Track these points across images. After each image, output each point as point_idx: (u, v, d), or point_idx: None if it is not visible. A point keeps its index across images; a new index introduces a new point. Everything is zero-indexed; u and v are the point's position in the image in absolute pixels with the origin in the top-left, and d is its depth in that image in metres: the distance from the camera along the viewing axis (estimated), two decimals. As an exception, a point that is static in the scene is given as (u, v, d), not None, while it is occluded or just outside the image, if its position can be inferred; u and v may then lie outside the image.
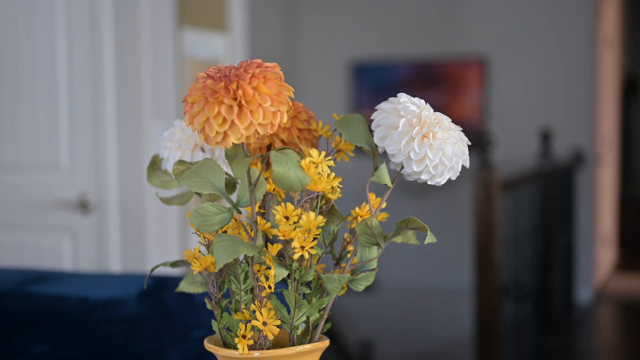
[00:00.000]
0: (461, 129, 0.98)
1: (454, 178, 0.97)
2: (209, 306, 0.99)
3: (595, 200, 6.10)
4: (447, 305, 5.90)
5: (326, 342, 0.98)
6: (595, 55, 5.84)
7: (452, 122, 0.97)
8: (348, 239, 1.01)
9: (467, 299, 5.21)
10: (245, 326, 0.94)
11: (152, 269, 1.05)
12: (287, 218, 0.93)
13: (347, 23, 6.26)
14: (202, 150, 1.08)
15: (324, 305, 0.97)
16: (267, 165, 1.00)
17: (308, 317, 0.98)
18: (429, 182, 0.96)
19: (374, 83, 6.20)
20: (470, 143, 0.98)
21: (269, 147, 1.02)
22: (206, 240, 0.98)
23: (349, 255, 1.00)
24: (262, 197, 0.99)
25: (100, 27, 2.90)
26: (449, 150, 0.94)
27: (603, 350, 5.17)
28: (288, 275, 0.95)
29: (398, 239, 0.99)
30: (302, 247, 0.92)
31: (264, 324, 0.93)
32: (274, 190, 1.00)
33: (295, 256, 0.92)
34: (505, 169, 4.51)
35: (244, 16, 3.59)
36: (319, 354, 0.98)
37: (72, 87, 2.93)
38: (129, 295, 1.51)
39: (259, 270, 0.95)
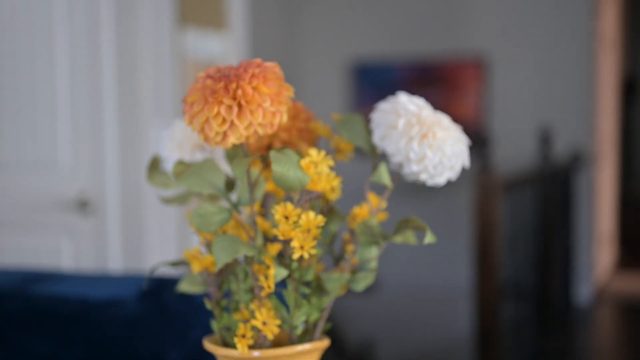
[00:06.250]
0: (461, 128, 0.98)
1: (453, 178, 0.97)
2: (208, 306, 0.99)
3: (594, 199, 6.10)
4: (446, 306, 5.90)
5: (326, 342, 0.97)
6: (594, 55, 5.84)
7: (452, 121, 0.97)
8: (347, 239, 1.01)
9: (467, 299, 5.21)
10: (245, 326, 0.94)
11: (152, 270, 1.05)
12: (286, 218, 0.92)
13: (346, 22, 6.25)
14: (202, 150, 1.08)
15: (323, 305, 0.97)
16: (267, 165, 1.00)
17: (308, 317, 0.97)
18: (428, 182, 0.96)
19: (374, 82, 6.20)
20: (469, 143, 0.98)
21: (269, 147, 1.02)
22: (206, 240, 0.98)
23: (348, 255, 1.00)
24: (262, 197, 0.99)
25: (100, 27, 2.90)
26: (448, 150, 0.94)
27: (602, 351, 5.17)
28: (288, 275, 0.95)
29: (398, 239, 0.99)
30: (302, 247, 0.91)
31: (264, 323, 0.93)
32: (273, 190, 1.00)
33: (295, 256, 0.91)
34: (505, 168, 4.50)
35: (243, 15, 3.59)
36: (318, 354, 0.98)
37: (71, 86, 2.93)
38: (129, 295, 1.51)
39: (258, 270, 0.95)
